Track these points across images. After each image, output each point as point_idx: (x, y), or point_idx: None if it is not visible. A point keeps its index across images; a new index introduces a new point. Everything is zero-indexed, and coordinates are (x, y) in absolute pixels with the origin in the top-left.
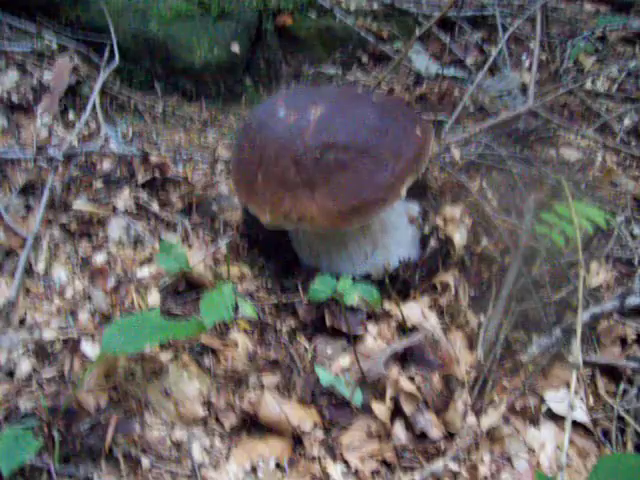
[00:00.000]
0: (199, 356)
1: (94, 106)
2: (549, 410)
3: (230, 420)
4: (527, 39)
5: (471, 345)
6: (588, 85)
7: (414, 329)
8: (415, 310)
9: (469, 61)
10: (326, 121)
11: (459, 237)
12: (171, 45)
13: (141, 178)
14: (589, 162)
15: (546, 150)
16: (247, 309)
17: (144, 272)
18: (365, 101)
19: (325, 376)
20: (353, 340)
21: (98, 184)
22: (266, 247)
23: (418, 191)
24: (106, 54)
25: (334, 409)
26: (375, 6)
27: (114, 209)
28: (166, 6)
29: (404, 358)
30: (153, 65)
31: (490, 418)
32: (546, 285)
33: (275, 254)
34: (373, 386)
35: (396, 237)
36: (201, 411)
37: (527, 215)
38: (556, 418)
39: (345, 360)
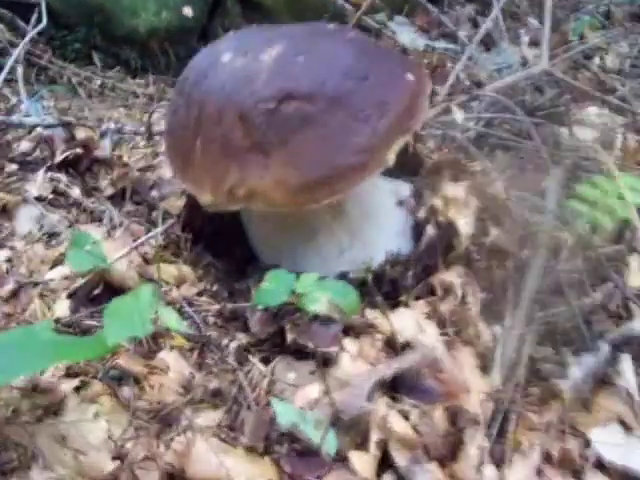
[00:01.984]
0: (116, 384)
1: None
2: (598, 458)
3: (150, 478)
4: (525, 15)
5: (484, 366)
6: (596, 61)
7: (407, 346)
8: (408, 320)
9: (462, 34)
10: (284, 63)
11: (464, 223)
12: (111, 8)
13: (59, 156)
14: (609, 142)
15: (557, 128)
16: (171, 321)
17: (54, 273)
18: (338, 38)
19: (285, 412)
20: (323, 362)
21: (12, 166)
22: (215, 241)
23: (409, 167)
24: (33, 18)
25: (297, 460)
26: None
27: (25, 196)
28: None
29: (394, 386)
30: (91, 32)
31: (517, 471)
32: (582, 284)
33: (226, 250)
34: (352, 426)
35: (381, 224)
36: (110, 465)
37: (550, 194)
38: (608, 469)
39: (314, 390)
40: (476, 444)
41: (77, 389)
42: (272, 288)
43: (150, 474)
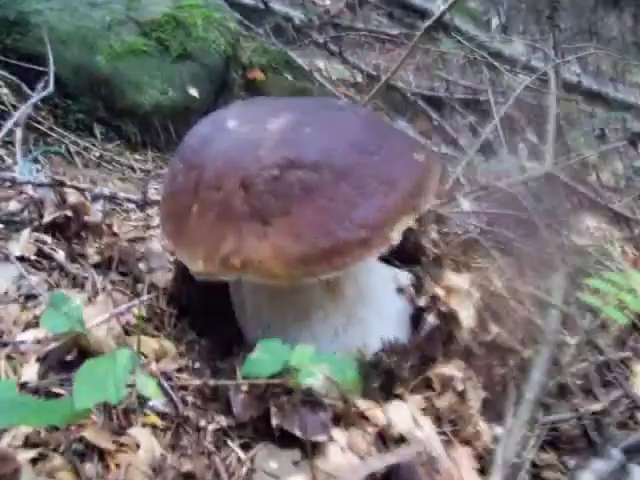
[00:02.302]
0: (78, 459)
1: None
2: None
3: None
4: (523, 130)
5: (483, 468)
6: (593, 177)
7: (401, 441)
8: (403, 414)
9: (462, 142)
10: (291, 132)
11: (466, 315)
12: (118, 82)
13: (47, 217)
14: (608, 252)
15: (555, 236)
16: (148, 389)
17: (26, 336)
18: (347, 111)
19: None
20: (311, 451)
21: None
22: (200, 318)
23: (409, 256)
24: (40, 85)
25: None
26: (359, 78)
27: (6, 254)
28: (119, 39)
29: None
30: (94, 104)
31: None
32: (588, 389)
33: (212, 328)
34: None
35: (379, 310)
36: None
37: (556, 290)
38: None
39: None
40: None
41: (34, 461)
42: (264, 358)
43: None
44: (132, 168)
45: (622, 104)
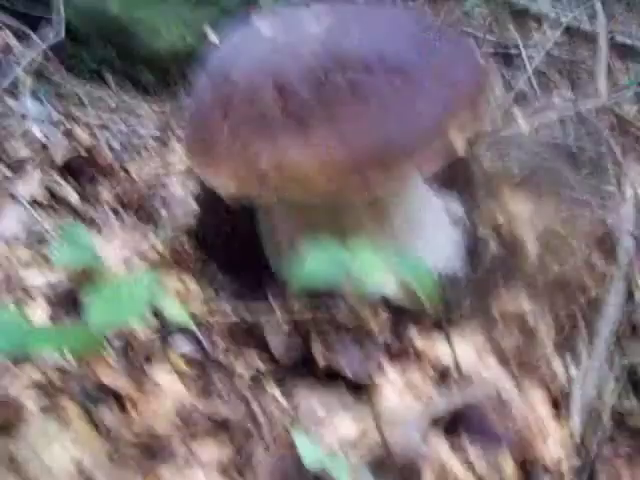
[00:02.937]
0: (94, 405)
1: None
2: None
3: None
4: (557, 86)
5: (558, 412)
6: None
7: (465, 381)
8: (465, 351)
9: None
10: (337, 32)
11: (531, 243)
12: (132, 28)
13: (60, 159)
14: None
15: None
16: (175, 312)
17: (36, 280)
18: (399, 13)
19: (312, 453)
20: (362, 393)
21: (5, 167)
22: (228, 257)
23: (460, 183)
24: (50, 33)
25: None
26: None
27: (13, 196)
28: None
29: (453, 428)
30: (108, 52)
31: None
32: None
33: (242, 270)
34: (399, 474)
35: (431, 241)
36: None
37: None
38: None
39: (349, 426)
40: None
41: (43, 408)
42: (318, 266)
43: None
44: (150, 118)
45: None
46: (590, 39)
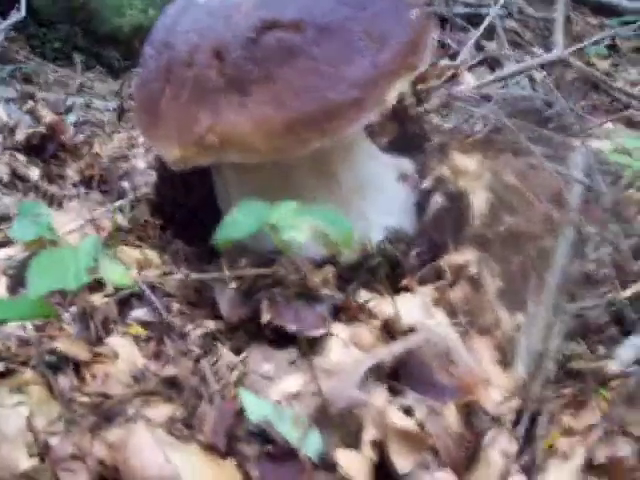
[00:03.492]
0: (51, 373)
1: None
2: None
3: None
4: (529, 45)
5: (505, 360)
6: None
7: (410, 332)
8: (412, 306)
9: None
10: None
11: (478, 196)
12: (95, 6)
13: (21, 136)
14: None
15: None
16: (114, 273)
17: None
18: None
19: (256, 406)
20: (308, 347)
21: None
22: (187, 228)
23: (411, 144)
24: (13, 13)
25: (268, 464)
26: None
27: None
28: None
29: (395, 378)
30: (72, 31)
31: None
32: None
33: (199, 237)
34: (341, 423)
35: (380, 199)
36: (26, 462)
37: (575, 169)
38: None
39: (294, 381)
40: (499, 449)
41: (2, 375)
42: (240, 219)
43: (76, 475)
44: (115, 92)
45: (635, 12)
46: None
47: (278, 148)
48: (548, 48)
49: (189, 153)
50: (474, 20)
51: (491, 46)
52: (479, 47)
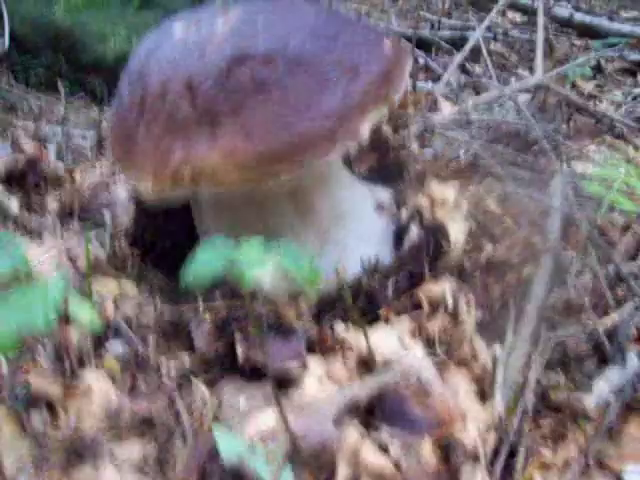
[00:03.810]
0: (24, 409)
1: None
2: None
3: None
4: (514, 67)
5: (482, 392)
6: (591, 107)
7: (387, 366)
8: (388, 337)
9: (451, 79)
10: (240, 26)
11: (455, 226)
12: (79, 34)
13: (1, 166)
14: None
15: (552, 162)
16: (82, 312)
17: None
18: (306, 6)
19: (230, 443)
20: (281, 384)
21: None
22: (165, 259)
23: (390, 174)
24: None
25: None
26: None
27: None
28: None
29: (370, 413)
30: (56, 59)
31: None
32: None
33: (177, 268)
34: (314, 460)
35: (357, 229)
36: None
37: (556, 192)
38: None
39: (268, 417)
40: None
41: None
42: (205, 258)
43: None
44: (99, 121)
45: (618, 34)
46: (552, 20)
47: (249, 179)
48: (533, 70)
49: (163, 186)
50: (460, 43)
51: (476, 69)
52: (464, 70)
